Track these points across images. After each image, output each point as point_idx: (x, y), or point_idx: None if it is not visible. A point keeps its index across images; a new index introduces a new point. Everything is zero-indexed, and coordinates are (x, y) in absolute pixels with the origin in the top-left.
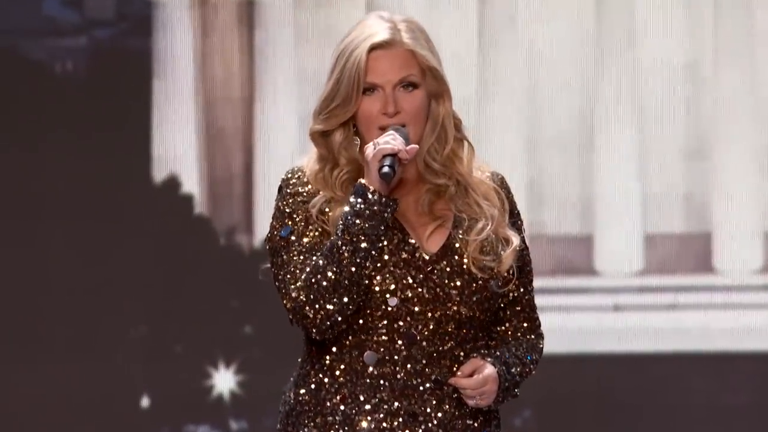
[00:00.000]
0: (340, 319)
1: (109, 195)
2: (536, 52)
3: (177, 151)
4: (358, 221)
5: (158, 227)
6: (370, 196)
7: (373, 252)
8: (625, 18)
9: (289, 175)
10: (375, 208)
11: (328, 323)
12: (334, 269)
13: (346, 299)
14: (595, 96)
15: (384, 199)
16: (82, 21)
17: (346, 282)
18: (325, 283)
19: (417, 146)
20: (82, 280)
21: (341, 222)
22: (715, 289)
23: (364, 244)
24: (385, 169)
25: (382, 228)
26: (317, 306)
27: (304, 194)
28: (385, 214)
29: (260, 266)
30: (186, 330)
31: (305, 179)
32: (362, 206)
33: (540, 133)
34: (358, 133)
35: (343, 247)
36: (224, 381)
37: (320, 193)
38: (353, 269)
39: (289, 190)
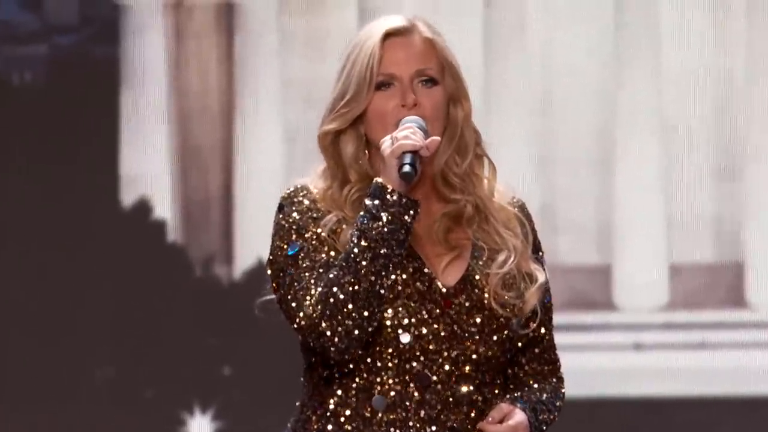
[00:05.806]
0: (360, 335)
1: (71, 220)
2: (548, 60)
3: (148, 170)
4: (375, 225)
5: (127, 256)
6: (388, 197)
7: (394, 259)
8: (648, 22)
9: (292, 192)
10: (394, 209)
11: (347, 341)
12: (351, 280)
13: (366, 313)
14: (615, 109)
15: (405, 199)
16: (42, 26)
17: (366, 293)
18: (342, 296)
19: (438, 138)
20: (41, 315)
21: (356, 227)
22: (747, 325)
23: (383, 251)
24: (406, 168)
25: (403, 233)
26: (334, 322)
27: (314, 211)
28: (406, 217)
29: (255, 299)
30: (158, 372)
31: (313, 197)
32: (380, 208)
33: (553, 151)
34: (369, 141)
35: (360, 255)
36: (200, 428)
37: (331, 212)
38: (372, 279)
39: (295, 207)
